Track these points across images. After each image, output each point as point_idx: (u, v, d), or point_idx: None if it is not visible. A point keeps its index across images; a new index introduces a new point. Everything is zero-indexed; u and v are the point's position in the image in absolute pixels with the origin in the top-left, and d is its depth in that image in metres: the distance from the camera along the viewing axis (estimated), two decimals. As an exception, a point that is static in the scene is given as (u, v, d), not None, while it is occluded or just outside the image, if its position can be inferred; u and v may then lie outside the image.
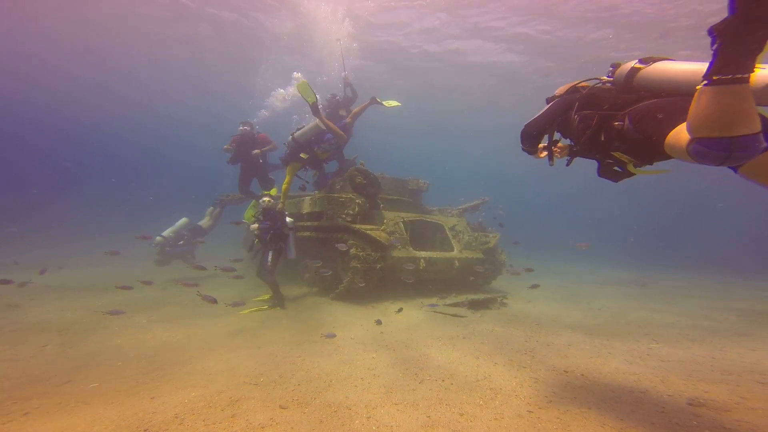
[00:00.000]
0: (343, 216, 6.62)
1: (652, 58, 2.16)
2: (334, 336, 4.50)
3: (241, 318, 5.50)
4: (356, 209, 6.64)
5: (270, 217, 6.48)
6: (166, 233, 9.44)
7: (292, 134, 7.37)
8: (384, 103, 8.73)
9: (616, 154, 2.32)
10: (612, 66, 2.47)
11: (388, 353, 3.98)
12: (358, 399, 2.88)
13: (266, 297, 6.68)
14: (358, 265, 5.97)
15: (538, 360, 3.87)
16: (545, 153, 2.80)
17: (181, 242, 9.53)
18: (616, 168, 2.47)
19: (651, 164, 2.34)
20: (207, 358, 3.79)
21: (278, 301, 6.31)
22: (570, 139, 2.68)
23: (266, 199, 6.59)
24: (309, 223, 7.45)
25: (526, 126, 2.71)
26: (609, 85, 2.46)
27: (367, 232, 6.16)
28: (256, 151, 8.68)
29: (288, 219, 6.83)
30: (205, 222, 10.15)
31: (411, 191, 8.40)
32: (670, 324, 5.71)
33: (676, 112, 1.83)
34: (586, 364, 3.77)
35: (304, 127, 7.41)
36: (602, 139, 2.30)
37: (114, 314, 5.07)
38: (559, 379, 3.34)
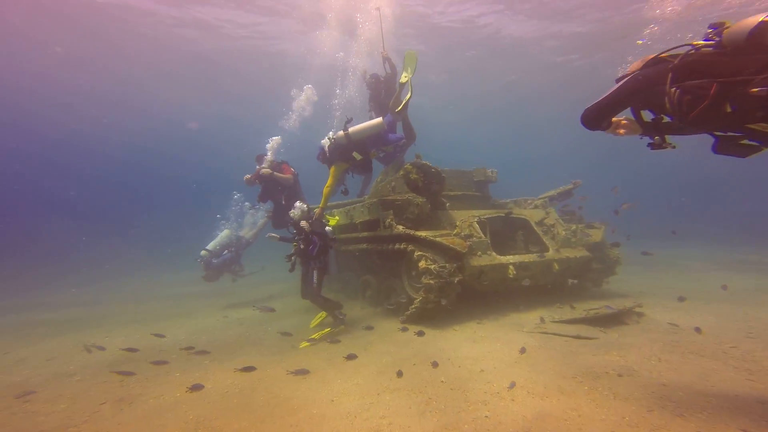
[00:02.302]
0: (402, 222, 5.61)
1: None
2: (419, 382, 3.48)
3: (304, 354, 4.69)
4: (416, 212, 5.60)
5: (304, 229, 5.53)
6: (210, 246, 9.05)
7: (345, 131, 6.19)
8: (405, 74, 6.88)
9: (758, 126, 2.00)
10: (712, 27, 2.13)
11: (504, 406, 2.87)
12: None
13: (321, 319, 5.98)
14: (432, 281, 4.90)
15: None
16: (623, 130, 2.59)
17: (226, 252, 9.17)
18: (745, 141, 2.15)
19: None
20: (270, 425, 2.95)
21: (338, 321, 5.59)
22: (668, 116, 2.37)
23: (298, 205, 5.65)
24: (364, 234, 6.54)
25: (587, 110, 2.49)
26: (711, 49, 2.09)
27: (437, 239, 5.09)
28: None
29: (327, 228, 5.97)
30: (246, 231, 9.85)
31: (477, 183, 7.16)
32: None
33: None
34: None
35: (361, 123, 6.27)
36: (729, 110, 2.01)
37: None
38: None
